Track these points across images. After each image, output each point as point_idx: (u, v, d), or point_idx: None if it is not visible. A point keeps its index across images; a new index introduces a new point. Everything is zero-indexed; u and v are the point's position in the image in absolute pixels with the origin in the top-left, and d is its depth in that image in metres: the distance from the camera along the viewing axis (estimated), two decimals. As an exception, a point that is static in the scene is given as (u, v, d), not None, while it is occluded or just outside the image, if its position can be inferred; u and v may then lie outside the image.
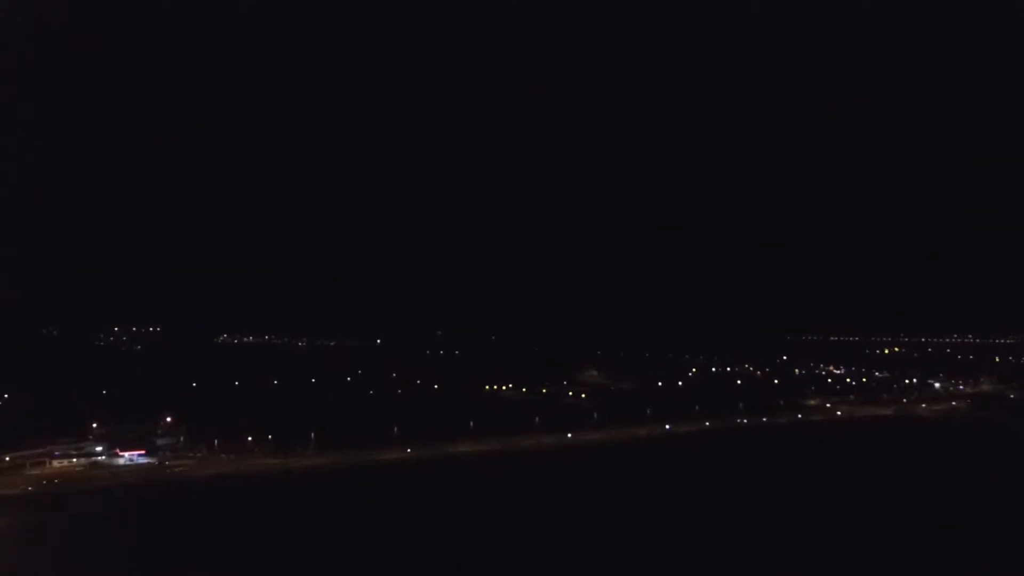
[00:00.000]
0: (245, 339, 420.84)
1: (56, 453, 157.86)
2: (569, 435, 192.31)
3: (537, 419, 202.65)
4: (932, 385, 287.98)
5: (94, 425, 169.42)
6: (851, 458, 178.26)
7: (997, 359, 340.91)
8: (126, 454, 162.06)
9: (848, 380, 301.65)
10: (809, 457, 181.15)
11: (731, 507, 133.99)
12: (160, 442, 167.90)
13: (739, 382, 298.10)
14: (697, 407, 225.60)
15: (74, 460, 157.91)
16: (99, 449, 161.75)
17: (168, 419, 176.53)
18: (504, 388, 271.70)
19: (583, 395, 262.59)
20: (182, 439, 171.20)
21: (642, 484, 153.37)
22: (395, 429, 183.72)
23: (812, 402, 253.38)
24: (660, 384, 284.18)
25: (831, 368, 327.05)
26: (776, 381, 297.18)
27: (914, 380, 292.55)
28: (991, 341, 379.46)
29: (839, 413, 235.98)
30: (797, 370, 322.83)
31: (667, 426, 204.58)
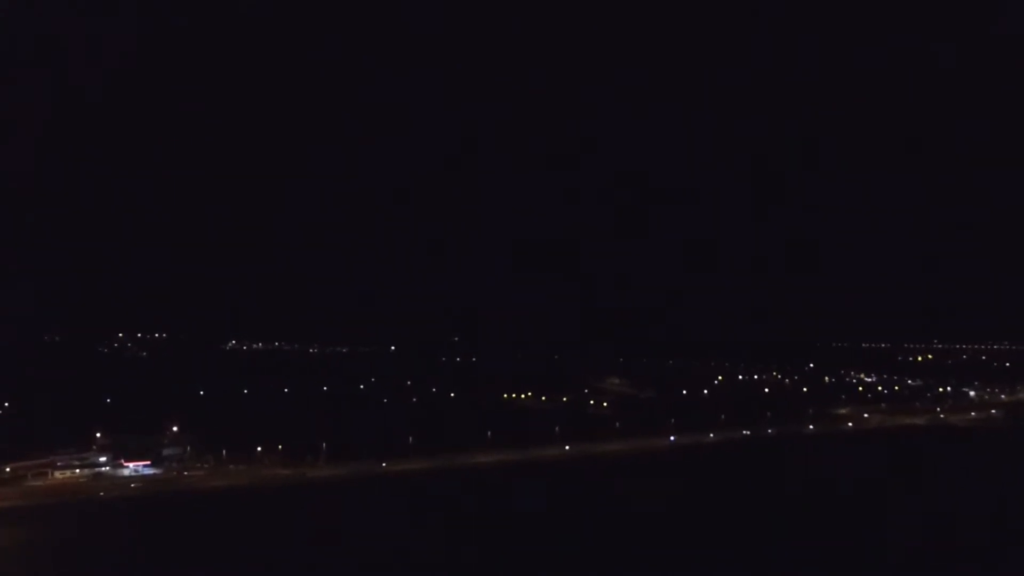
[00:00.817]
0: (255, 345, 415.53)
1: (58, 464, 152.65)
2: (584, 446, 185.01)
3: (557, 428, 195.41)
4: (967, 393, 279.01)
5: (98, 435, 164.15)
6: (879, 470, 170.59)
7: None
8: (131, 465, 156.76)
9: (880, 388, 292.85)
10: (834, 469, 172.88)
11: (746, 524, 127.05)
12: (166, 452, 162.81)
13: (766, 390, 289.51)
14: (722, 416, 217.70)
15: (77, 471, 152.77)
16: (103, 460, 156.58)
17: (174, 428, 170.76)
18: (523, 396, 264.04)
19: (604, 403, 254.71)
20: (189, 449, 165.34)
21: (661, 496, 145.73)
22: (410, 439, 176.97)
23: (842, 411, 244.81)
24: (684, 392, 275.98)
25: (862, 375, 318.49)
26: (805, 389, 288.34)
27: (948, 388, 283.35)
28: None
29: (849, 424, 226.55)
30: (827, 378, 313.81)
31: (672, 438, 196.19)
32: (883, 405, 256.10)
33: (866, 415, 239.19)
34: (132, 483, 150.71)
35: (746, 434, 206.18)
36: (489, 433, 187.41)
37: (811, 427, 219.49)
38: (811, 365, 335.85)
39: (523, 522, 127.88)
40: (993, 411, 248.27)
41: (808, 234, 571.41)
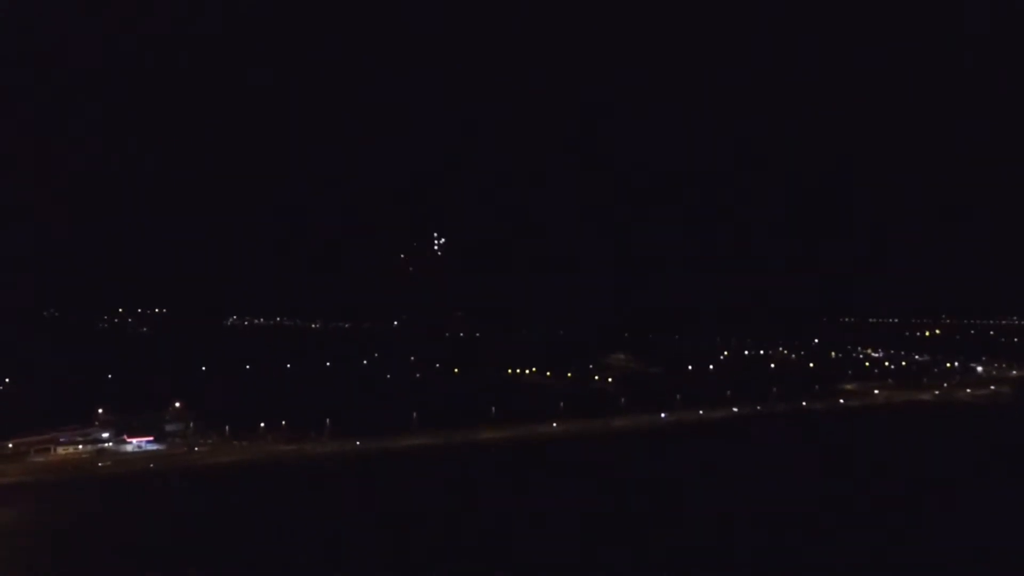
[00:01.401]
0: (256, 321, 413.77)
1: (61, 439, 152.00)
2: (585, 422, 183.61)
3: (562, 404, 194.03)
4: (974, 369, 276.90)
5: (100, 410, 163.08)
6: (886, 447, 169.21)
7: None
8: (134, 440, 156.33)
9: (887, 364, 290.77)
10: (840, 446, 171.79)
11: (753, 503, 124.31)
12: (169, 428, 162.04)
13: (772, 366, 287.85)
14: (728, 392, 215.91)
15: (80, 447, 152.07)
16: (105, 435, 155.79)
17: (177, 404, 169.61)
18: (527, 372, 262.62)
19: (610, 379, 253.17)
20: (192, 425, 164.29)
21: (663, 474, 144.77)
22: (414, 415, 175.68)
23: (849, 386, 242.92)
24: (690, 368, 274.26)
25: (869, 351, 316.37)
26: (812, 364, 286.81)
27: (956, 364, 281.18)
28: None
29: (842, 402, 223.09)
30: (833, 353, 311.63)
31: (663, 414, 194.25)
32: (890, 381, 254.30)
33: (875, 391, 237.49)
34: (135, 459, 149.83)
35: (735, 411, 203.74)
36: (493, 409, 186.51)
37: (815, 403, 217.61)
38: (817, 340, 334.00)
39: (526, 497, 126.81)
40: (993, 387, 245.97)
41: (812, 213, 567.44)
